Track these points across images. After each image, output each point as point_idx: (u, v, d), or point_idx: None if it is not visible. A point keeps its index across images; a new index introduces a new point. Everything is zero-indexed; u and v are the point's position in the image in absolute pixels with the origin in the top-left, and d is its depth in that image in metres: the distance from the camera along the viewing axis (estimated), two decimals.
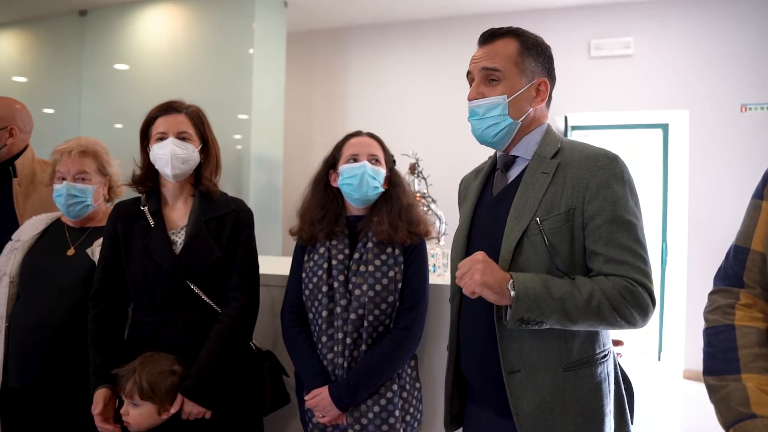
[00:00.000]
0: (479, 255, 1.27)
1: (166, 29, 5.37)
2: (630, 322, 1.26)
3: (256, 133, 5.03)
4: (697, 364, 4.97)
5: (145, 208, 1.85)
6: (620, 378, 1.43)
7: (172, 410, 1.67)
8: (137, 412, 1.66)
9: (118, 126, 5.45)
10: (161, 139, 1.80)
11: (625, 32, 5.26)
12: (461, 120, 6.09)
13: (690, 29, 5.11)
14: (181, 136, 1.82)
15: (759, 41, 4.92)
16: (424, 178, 2.74)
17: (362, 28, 6.13)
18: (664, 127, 5.58)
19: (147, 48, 5.42)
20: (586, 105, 5.27)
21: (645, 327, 1.32)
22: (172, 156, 1.78)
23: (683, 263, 5.07)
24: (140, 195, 1.91)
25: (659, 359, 5.57)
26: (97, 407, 1.69)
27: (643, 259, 1.28)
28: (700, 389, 4.74)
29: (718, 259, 4.54)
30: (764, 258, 1.07)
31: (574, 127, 5.58)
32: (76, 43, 5.69)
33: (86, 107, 5.62)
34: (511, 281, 1.23)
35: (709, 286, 4.15)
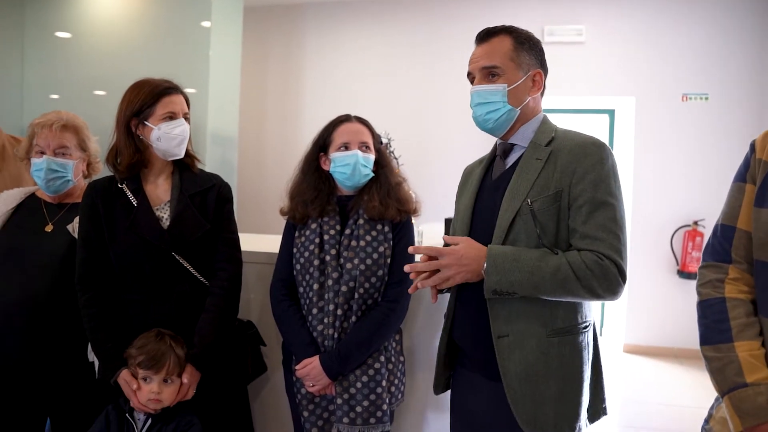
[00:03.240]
0: (456, 251, 1.40)
1: None
2: (597, 295, 1.36)
3: (212, 109, 4.95)
4: (637, 339, 5.29)
5: (124, 186, 1.83)
6: (599, 350, 1.56)
7: (185, 378, 1.67)
8: (171, 389, 1.66)
9: (54, 97, 5.24)
10: (171, 118, 1.80)
11: (577, 20, 5.45)
12: (417, 98, 6.16)
13: (639, 20, 5.35)
14: (186, 116, 1.84)
15: (700, 36, 5.22)
16: (396, 158, 2.81)
17: (319, 4, 6.08)
18: (611, 113, 5.83)
19: (92, 16, 5.19)
20: None
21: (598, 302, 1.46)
22: (186, 136, 1.82)
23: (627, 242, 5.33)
24: (117, 174, 1.86)
25: (601, 334, 5.87)
26: (133, 386, 1.66)
27: (617, 237, 1.37)
28: (640, 362, 5.06)
29: (659, 239, 4.90)
30: (749, 236, 1.19)
31: None
32: (16, 8, 5.41)
33: (29, 76, 5.37)
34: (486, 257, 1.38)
35: (649, 266, 4.51)
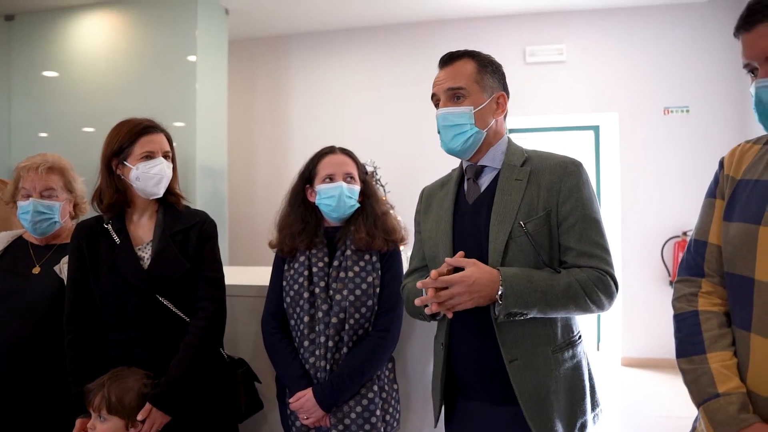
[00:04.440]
0: (467, 278, 1.35)
1: (100, 36, 5.23)
2: (600, 307, 1.44)
3: (201, 142, 4.98)
4: (634, 351, 5.29)
5: (109, 226, 1.84)
6: (587, 357, 1.60)
7: (140, 417, 1.66)
8: (104, 427, 1.65)
9: (43, 135, 5.28)
10: (149, 157, 1.81)
11: (558, 40, 5.54)
12: (404, 125, 6.21)
13: (618, 38, 5.44)
14: (166, 155, 1.84)
15: (679, 50, 5.31)
16: (382, 186, 2.83)
17: (303, 35, 6.16)
18: (596, 129, 5.90)
19: (79, 55, 5.26)
20: (522, 109, 5.48)
21: (587, 317, 1.49)
22: (165, 176, 1.82)
23: (618, 256, 5.36)
24: (102, 213, 1.88)
25: (598, 349, 5.87)
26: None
27: (608, 251, 1.47)
28: (638, 375, 5.05)
29: (650, 251, 4.93)
30: (720, 249, 1.23)
31: (511, 131, 5.81)
32: (3, 48, 5.46)
33: (17, 116, 5.40)
34: (500, 280, 1.37)
35: (642, 279, 4.53)
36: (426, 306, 1.39)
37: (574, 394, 1.49)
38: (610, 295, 1.44)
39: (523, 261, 1.44)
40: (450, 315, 1.41)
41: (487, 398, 1.53)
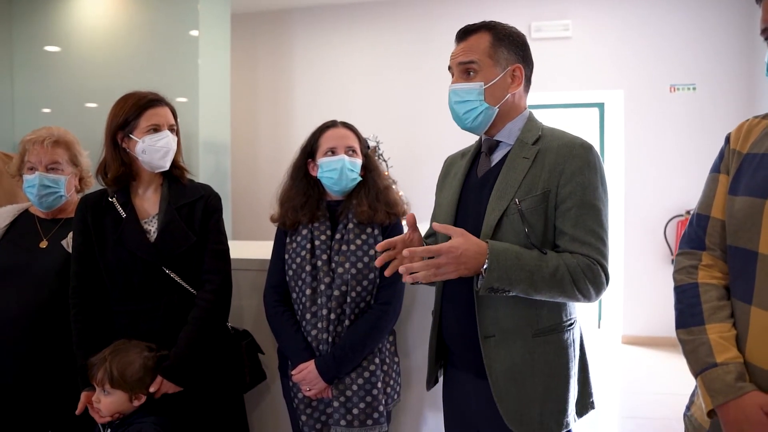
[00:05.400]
0: (455, 249, 1.31)
1: (102, 10, 5.17)
2: (585, 296, 1.39)
3: (203, 117, 4.96)
4: (635, 329, 5.32)
5: (114, 200, 1.85)
6: (584, 346, 1.58)
7: (152, 389, 1.71)
8: (109, 400, 1.69)
9: (45, 110, 5.25)
10: (155, 130, 1.81)
11: (563, 15, 5.48)
12: (407, 101, 6.16)
13: (625, 14, 5.38)
14: (171, 128, 1.85)
15: (686, 27, 5.25)
16: (385, 161, 2.83)
17: (307, 9, 6.10)
18: (601, 107, 5.86)
19: (81, 29, 5.21)
20: None
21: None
22: (171, 148, 1.82)
23: (620, 235, 5.38)
24: (107, 187, 1.88)
25: (599, 327, 5.91)
26: (79, 408, 1.73)
27: (604, 241, 1.42)
28: (638, 353, 5.09)
29: (653, 231, 4.93)
30: (723, 224, 1.24)
31: None
32: (4, 23, 5.42)
33: (19, 91, 5.38)
34: (487, 253, 1.34)
35: (644, 257, 4.54)
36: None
37: (553, 380, 1.45)
38: (599, 286, 1.39)
39: (514, 239, 1.40)
40: (412, 280, 1.37)
41: (471, 370, 1.54)
